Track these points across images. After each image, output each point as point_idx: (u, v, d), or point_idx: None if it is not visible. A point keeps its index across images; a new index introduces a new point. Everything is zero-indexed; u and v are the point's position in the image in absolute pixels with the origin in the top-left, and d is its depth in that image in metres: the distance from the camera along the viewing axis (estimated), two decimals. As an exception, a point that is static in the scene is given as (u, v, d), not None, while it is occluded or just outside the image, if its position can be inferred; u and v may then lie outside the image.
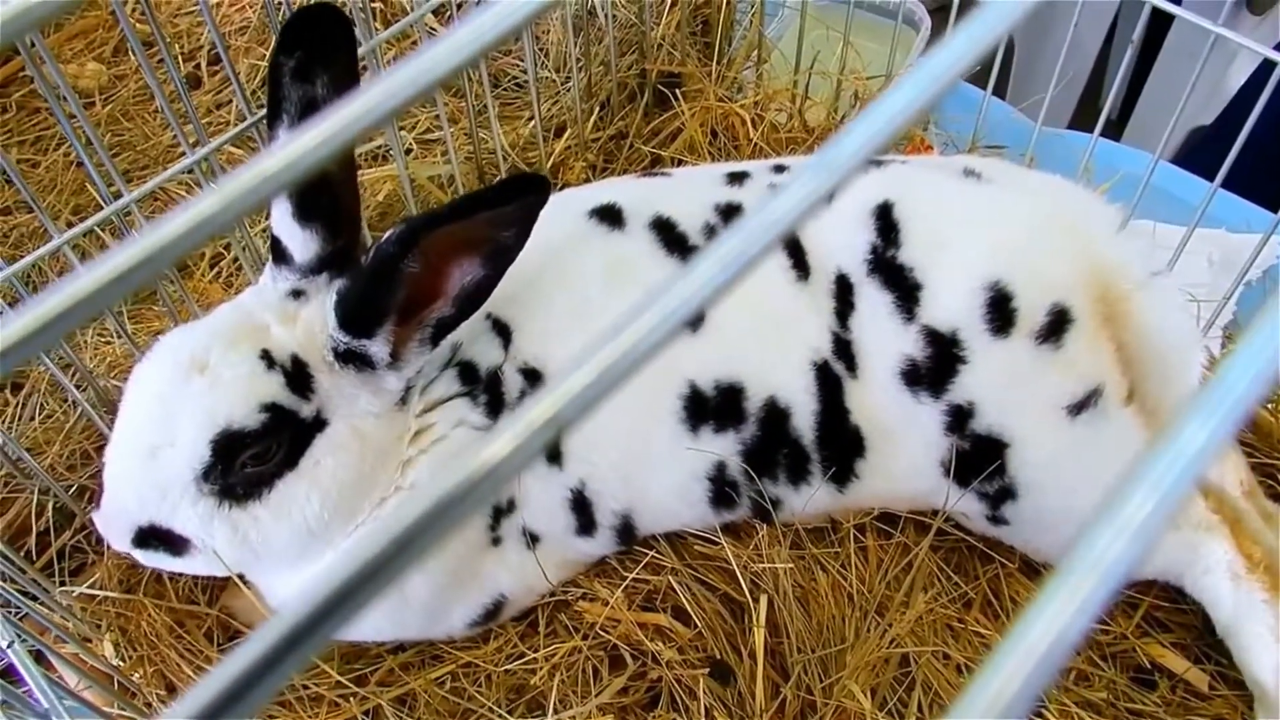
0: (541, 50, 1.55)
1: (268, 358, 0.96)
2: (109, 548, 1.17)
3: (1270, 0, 2.56)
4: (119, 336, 1.25)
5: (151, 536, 0.99)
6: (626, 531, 1.15)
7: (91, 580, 1.13)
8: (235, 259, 1.44)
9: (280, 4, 1.78)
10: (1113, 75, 2.55)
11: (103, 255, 0.29)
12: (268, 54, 1.79)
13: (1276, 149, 1.49)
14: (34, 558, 1.15)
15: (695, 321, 1.01)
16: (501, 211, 0.91)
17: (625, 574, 1.15)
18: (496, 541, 1.11)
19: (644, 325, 0.27)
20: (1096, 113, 1.41)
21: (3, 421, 1.18)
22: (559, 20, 1.56)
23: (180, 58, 1.75)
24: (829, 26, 1.55)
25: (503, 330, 1.10)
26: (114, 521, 0.99)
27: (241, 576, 1.09)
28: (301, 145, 0.31)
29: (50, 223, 0.96)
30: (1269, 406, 1.26)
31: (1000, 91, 1.69)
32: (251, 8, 1.79)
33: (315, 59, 0.94)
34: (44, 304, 0.29)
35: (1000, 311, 1.07)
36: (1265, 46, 1.17)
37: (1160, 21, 2.39)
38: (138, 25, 1.83)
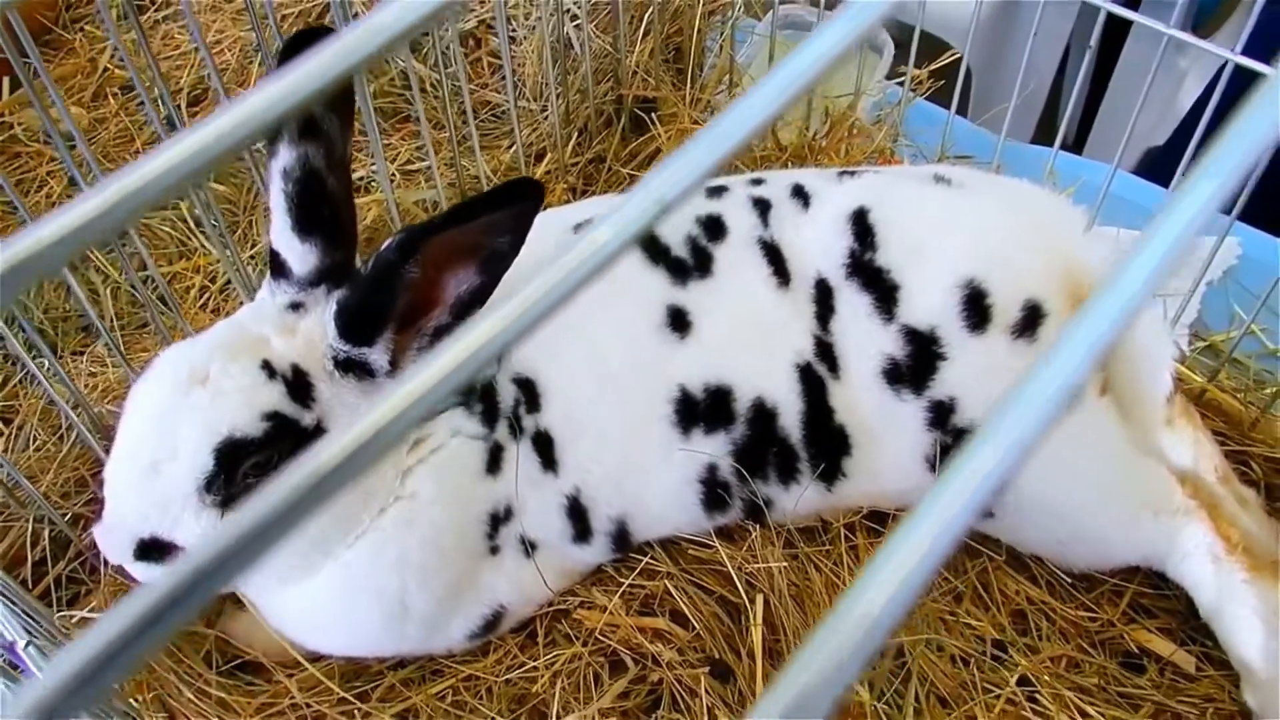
0: (519, 81, 1.59)
1: (268, 368, 0.98)
2: (105, 574, 1.17)
3: (1216, 24, 2.67)
4: (111, 356, 1.26)
5: (152, 549, 0.99)
6: (622, 538, 1.16)
7: (89, 606, 1.13)
8: (223, 287, 1.45)
9: (258, 48, 1.82)
10: (1068, 93, 2.63)
11: (85, 193, 0.31)
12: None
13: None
14: (30, 587, 1.15)
15: (682, 328, 1.04)
16: (496, 217, 0.94)
17: (622, 580, 1.16)
18: (494, 550, 1.12)
19: (624, 215, 0.30)
20: (1054, 132, 1.47)
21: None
22: (534, 52, 1.60)
23: (161, 99, 1.77)
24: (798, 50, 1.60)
25: (495, 342, 1.12)
26: (114, 535, 0.99)
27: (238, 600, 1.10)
28: (290, 82, 0.33)
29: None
30: (1239, 395, 1.31)
31: (960, 115, 1.75)
32: (230, 51, 1.82)
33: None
34: (45, 227, 0.30)
35: (976, 308, 1.11)
36: (1222, 49, 1.22)
37: (1113, 42, 2.48)
38: (116, 71, 1.86)
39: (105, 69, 1.84)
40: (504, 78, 1.67)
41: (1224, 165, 0.29)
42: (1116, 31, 2.46)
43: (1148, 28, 1.46)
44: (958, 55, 1.43)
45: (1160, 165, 2.50)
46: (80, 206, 0.31)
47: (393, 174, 1.56)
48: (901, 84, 1.57)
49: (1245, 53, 1.14)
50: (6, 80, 1.79)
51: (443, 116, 1.58)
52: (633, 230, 0.33)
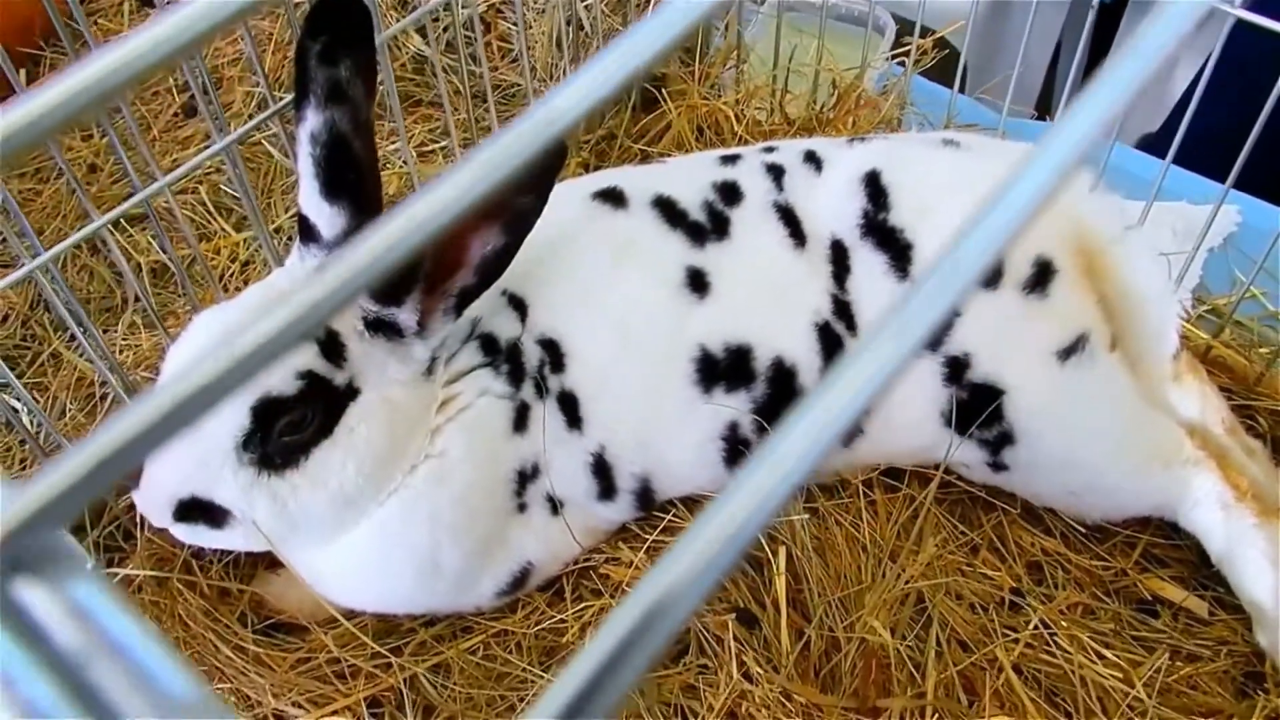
0: (531, 62, 1.62)
1: (302, 328, 1.00)
2: (142, 538, 1.19)
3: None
4: (147, 323, 1.28)
5: (193, 509, 1.02)
6: (645, 495, 1.19)
7: (131, 565, 1.15)
8: (243, 267, 1.48)
9: (271, 36, 1.84)
10: (1060, 87, 2.67)
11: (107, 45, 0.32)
12: (261, 83, 1.85)
13: (1225, 128, 1.59)
14: (66, 551, 1.17)
15: (701, 289, 1.07)
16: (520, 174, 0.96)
17: (646, 536, 1.19)
18: (522, 508, 1.14)
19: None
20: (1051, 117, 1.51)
21: (32, 419, 1.21)
22: (545, 34, 1.63)
23: (175, 89, 1.80)
24: (802, 30, 1.64)
25: (519, 305, 1.15)
26: (154, 497, 1.02)
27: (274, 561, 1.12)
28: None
29: (92, 207, 1.01)
30: (1245, 352, 1.34)
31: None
32: (242, 39, 1.85)
33: (339, 43, 1.00)
34: (42, 95, 0.31)
35: None
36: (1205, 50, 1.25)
37: (1105, 37, 2.53)
38: (130, 62, 1.88)
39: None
40: (514, 60, 1.70)
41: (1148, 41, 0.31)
42: (1109, 23, 2.50)
43: (1140, 17, 1.50)
44: (959, 24, 1.47)
45: (1154, 151, 2.54)
46: (73, 77, 0.31)
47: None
48: (903, 62, 1.60)
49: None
50: (24, 72, 1.82)
51: (457, 99, 1.61)
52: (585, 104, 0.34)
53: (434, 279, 1.03)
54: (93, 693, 0.22)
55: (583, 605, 1.16)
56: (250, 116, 1.75)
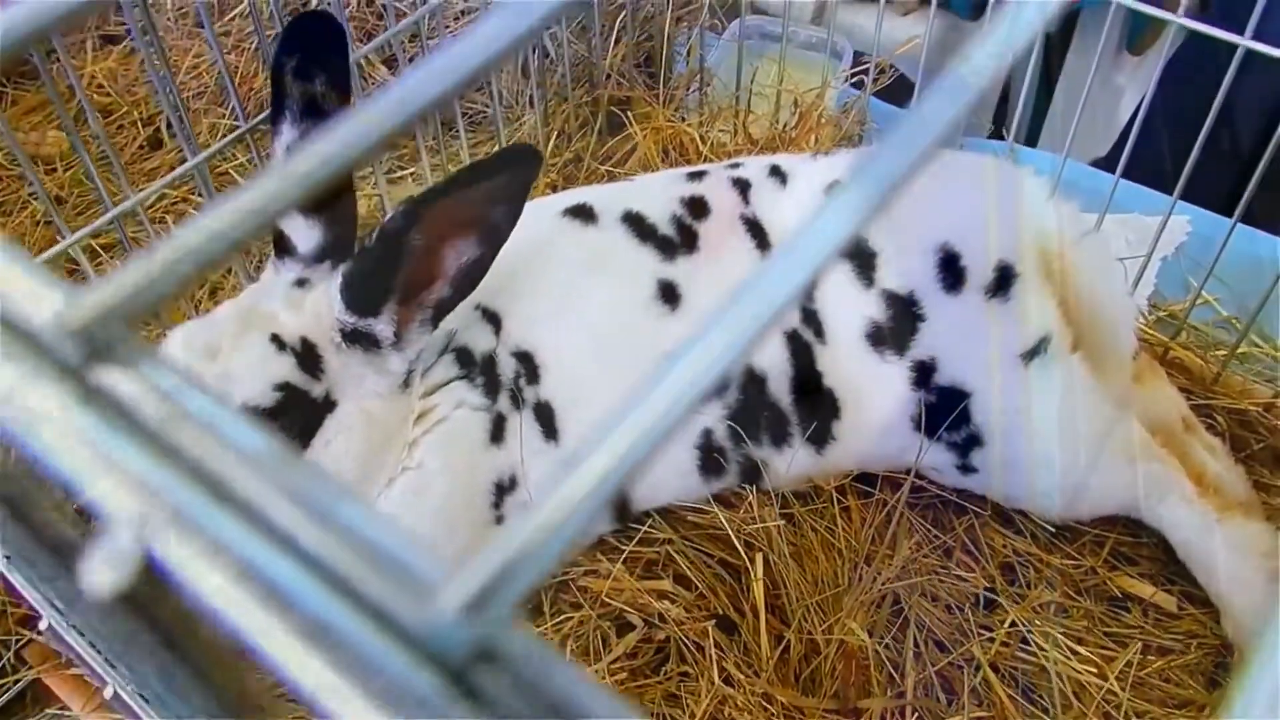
0: (501, 88, 1.64)
1: (278, 341, 1.00)
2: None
3: (1148, 41, 2.81)
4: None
5: (168, 526, 1.01)
6: (622, 507, 1.19)
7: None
8: (212, 292, 1.48)
9: (236, 69, 1.86)
10: (1015, 98, 2.74)
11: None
12: (226, 115, 1.86)
13: (1173, 142, 1.64)
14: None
15: (672, 300, 1.09)
16: (495, 184, 0.98)
17: (623, 547, 1.19)
18: (500, 520, 1.14)
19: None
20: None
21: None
22: (512, 62, 1.66)
23: (140, 122, 1.81)
24: (761, 55, 1.68)
25: (493, 318, 1.16)
26: (130, 515, 1.01)
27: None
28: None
29: (64, 225, 1.01)
30: (1202, 353, 1.37)
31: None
32: (209, 74, 1.86)
33: (313, 60, 1.01)
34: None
35: (951, 270, 1.17)
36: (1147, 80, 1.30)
37: (1058, 49, 2.61)
38: (95, 96, 1.89)
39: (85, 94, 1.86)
40: (480, 88, 1.72)
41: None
42: (1061, 42, 2.59)
43: (1087, 43, 1.55)
44: (915, 40, 1.51)
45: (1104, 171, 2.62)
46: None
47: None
48: (860, 83, 1.64)
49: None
50: (-14, 107, 1.81)
51: (421, 128, 1.63)
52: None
53: (410, 290, 1.04)
54: (179, 454, 0.22)
55: (562, 618, 1.16)
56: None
